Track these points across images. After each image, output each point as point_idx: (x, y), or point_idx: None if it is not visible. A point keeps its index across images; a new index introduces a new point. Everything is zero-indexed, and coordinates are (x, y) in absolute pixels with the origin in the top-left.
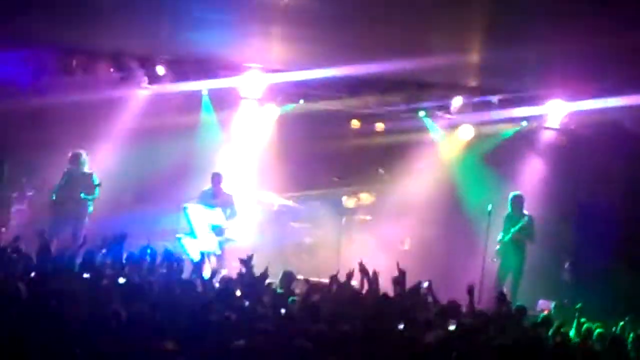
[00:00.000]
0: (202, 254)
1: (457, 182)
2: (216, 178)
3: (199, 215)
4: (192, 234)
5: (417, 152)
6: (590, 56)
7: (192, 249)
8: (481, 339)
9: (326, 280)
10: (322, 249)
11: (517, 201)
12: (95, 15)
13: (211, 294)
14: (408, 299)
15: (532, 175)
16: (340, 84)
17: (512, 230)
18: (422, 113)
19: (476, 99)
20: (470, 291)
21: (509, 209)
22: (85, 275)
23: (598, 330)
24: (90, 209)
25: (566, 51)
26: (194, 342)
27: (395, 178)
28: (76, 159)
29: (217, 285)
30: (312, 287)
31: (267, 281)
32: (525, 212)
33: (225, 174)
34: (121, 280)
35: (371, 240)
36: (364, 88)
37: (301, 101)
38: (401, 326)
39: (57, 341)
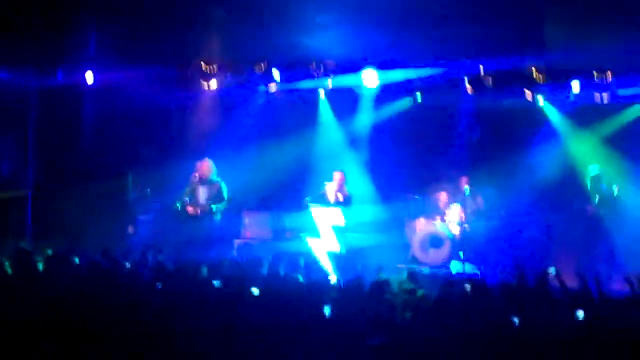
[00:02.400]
0: (328, 254)
1: (581, 168)
2: (338, 177)
3: (321, 215)
4: (316, 233)
5: (539, 140)
6: None
7: (317, 249)
8: (612, 328)
9: None
10: None
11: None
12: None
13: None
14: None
15: None
16: (458, 77)
17: None
18: (541, 99)
19: (595, 81)
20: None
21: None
22: None
23: None
24: (218, 218)
25: None
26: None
27: (516, 169)
28: (203, 168)
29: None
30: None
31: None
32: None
33: (347, 173)
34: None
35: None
36: (482, 79)
37: (418, 95)
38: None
39: None
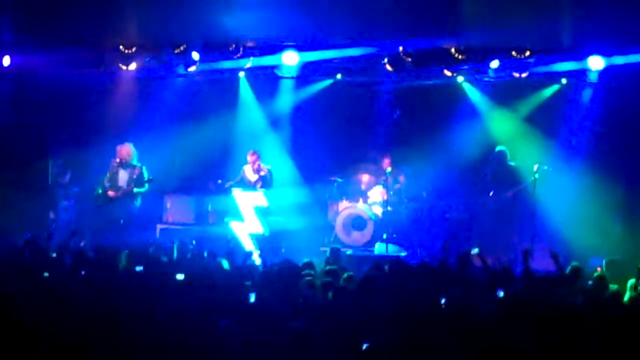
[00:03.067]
0: (251, 237)
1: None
2: (251, 158)
3: (243, 198)
4: (239, 217)
5: (459, 119)
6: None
7: (240, 232)
8: (533, 305)
9: None
10: None
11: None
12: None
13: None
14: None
15: (575, 132)
16: (377, 56)
17: None
18: (460, 79)
19: (514, 59)
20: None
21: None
22: None
23: None
24: (138, 202)
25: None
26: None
27: (437, 148)
28: (123, 153)
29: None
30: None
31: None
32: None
33: (267, 154)
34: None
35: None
36: (401, 59)
37: (338, 76)
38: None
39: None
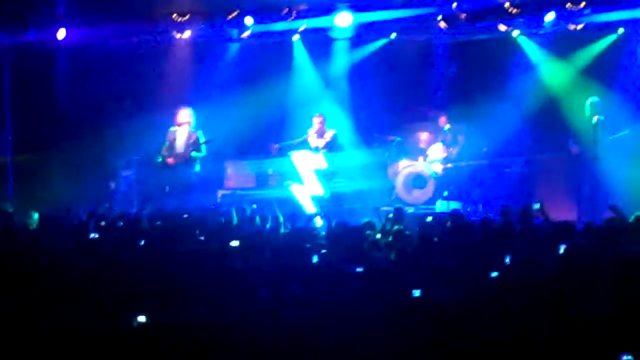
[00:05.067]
0: (312, 199)
1: (560, 100)
2: (317, 121)
3: (304, 160)
4: (299, 179)
5: (515, 73)
6: None
7: (301, 194)
8: (596, 257)
9: None
10: None
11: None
12: None
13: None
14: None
15: (633, 83)
16: (431, 14)
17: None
18: (515, 32)
19: (569, 10)
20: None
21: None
22: None
23: None
24: (197, 167)
25: None
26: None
27: (494, 104)
28: (181, 117)
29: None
30: None
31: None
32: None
33: (328, 115)
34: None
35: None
36: (455, 16)
37: (393, 35)
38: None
39: None
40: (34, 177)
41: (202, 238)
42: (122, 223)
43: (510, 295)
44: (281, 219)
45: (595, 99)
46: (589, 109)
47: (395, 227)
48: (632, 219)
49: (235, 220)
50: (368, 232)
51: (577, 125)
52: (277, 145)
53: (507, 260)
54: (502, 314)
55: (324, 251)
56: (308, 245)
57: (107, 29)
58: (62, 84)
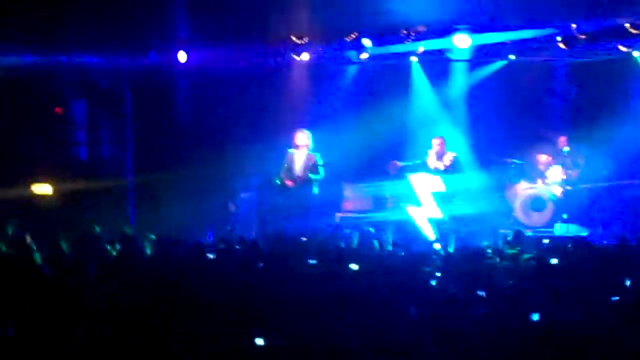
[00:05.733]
0: (430, 222)
1: None
2: (437, 143)
3: (421, 182)
4: (416, 202)
5: (636, 94)
6: None
7: (418, 217)
8: None
9: None
10: None
11: None
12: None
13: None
14: None
15: None
16: (550, 35)
17: None
18: (636, 53)
19: None
20: None
21: None
22: None
23: None
24: (316, 189)
25: None
26: None
27: (615, 125)
28: (300, 140)
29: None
30: None
31: None
32: None
33: (447, 138)
34: None
35: None
36: (575, 37)
37: (511, 56)
38: None
39: None
40: (154, 200)
41: (321, 261)
42: (240, 246)
43: (630, 319)
44: (397, 242)
45: None
46: None
47: (515, 250)
48: None
49: (354, 243)
50: (487, 255)
51: None
52: (397, 163)
53: (628, 283)
54: (622, 339)
55: (440, 274)
56: (427, 269)
57: (227, 52)
58: (183, 107)
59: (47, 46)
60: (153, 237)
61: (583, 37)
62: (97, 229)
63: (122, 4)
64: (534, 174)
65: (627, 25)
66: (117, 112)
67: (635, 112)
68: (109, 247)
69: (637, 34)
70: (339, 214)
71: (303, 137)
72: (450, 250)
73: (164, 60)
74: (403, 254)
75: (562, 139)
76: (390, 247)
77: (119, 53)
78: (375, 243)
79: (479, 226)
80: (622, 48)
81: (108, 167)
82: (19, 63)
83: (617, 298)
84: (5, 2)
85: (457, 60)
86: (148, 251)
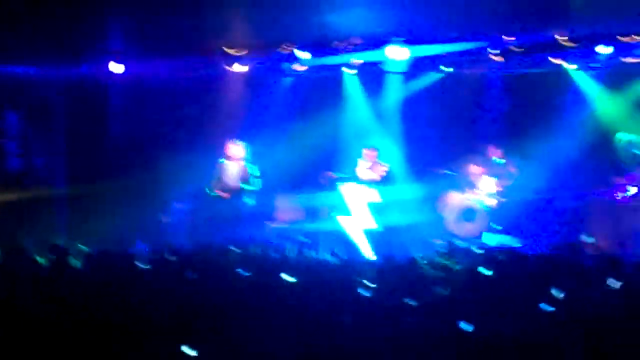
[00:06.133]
0: (364, 232)
1: (613, 134)
2: (369, 154)
3: (354, 193)
4: (349, 212)
5: (569, 107)
6: None
7: (351, 228)
8: None
9: None
10: None
11: None
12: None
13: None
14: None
15: None
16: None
17: None
18: (569, 66)
19: (623, 44)
20: None
21: None
22: None
23: None
24: (249, 200)
25: None
26: None
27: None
28: (233, 151)
29: None
30: None
31: None
32: None
33: (380, 149)
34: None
35: None
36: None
37: (446, 69)
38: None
39: None
40: (87, 211)
41: (254, 272)
42: (173, 256)
43: (562, 330)
44: (331, 252)
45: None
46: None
47: (447, 260)
48: None
49: (286, 253)
50: (420, 265)
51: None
52: (330, 174)
53: (559, 295)
54: (554, 349)
55: (374, 285)
56: (360, 279)
57: (161, 62)
58: (116, 117)
59: None
60: (84, 248)
61: (516, 49)
62: (25, 241)
63: (55, 15)
64: (467, 185)
65: (560, 38)
66: (50, 123)
67: (567, 124)
68: (38, 259)
69: (570, 47)
70: (271, 225)
71: (237, 148)
72: (383, 260)
73: (98, 71)
74: (336, 264)
75: (495, 151)
76: (323, 257)
77: (52, 64)
78: (311, 253)
79: (411, 237)
80: (556, 61)
81: (41, 177)
82: None
83: (549, 308)
84: None
85: (392, 73)
86: (78, 262)
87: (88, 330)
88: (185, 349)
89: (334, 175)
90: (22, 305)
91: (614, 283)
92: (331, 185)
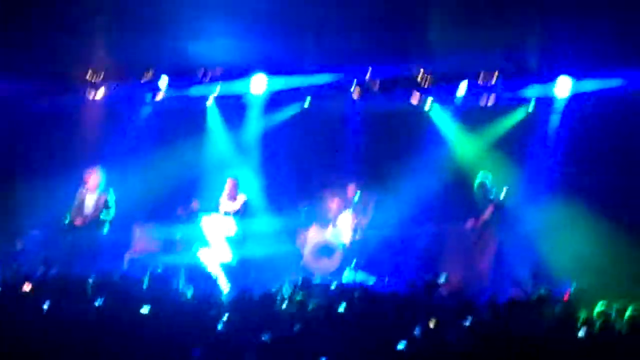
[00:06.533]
0: (220, 265)
1: (470, 173)
2: (230, 184)
3: (212, 225)
4: (207, 244)
5: (427, 145)
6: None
7: (208, 260)
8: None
9: None
10: None
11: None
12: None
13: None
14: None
15: (543, 158)
16: (345, 82)
17: None
18: (428, 105)
19: (481, 83)
20: None
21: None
22: None
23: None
24: (105, 229)
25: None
26: None
27: (405, 175)
28: (90, 179)
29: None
30: None
31: None
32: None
33: (240, 180)
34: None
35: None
36: (369, 85)
37: (306, 102)
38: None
39: None
40: None
41: (108, 303)
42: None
43: None
44: (185, 284)
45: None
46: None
47: (302, 296)
48: (535, 297)
49: (144, 285)
50: (274, 300)
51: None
52: (194, 204)
53: (416, 332)
54: None
55: (225, 319)
56: (212, 312)
57: (20, 85)
58: None
59: None
60: None
61: (376, 85)
62: None
63: None
64: (325, 219)
65: (419, 76)
66: None
67: (425, 162)
68: None
69: (428, 85)
70: (128, 255)
71: (94, 177)
72: (238, 294)
73: None
74: (190, 297)
75: (352, 187)
76: (179, 289)
77: None
78: (165, 285)
79: (268, 271)
80: (414, 99)
81: None
82: None
83: (403, 345)
84: None
85: (253, 104)
86: None
87: None
88: None
89: (198, 204)
90: None
91: (465, 321)
92: (191, 216)
